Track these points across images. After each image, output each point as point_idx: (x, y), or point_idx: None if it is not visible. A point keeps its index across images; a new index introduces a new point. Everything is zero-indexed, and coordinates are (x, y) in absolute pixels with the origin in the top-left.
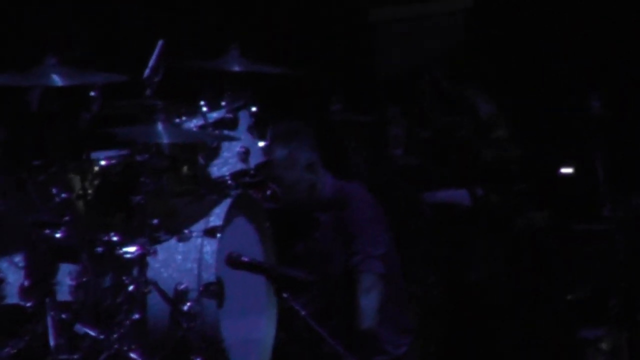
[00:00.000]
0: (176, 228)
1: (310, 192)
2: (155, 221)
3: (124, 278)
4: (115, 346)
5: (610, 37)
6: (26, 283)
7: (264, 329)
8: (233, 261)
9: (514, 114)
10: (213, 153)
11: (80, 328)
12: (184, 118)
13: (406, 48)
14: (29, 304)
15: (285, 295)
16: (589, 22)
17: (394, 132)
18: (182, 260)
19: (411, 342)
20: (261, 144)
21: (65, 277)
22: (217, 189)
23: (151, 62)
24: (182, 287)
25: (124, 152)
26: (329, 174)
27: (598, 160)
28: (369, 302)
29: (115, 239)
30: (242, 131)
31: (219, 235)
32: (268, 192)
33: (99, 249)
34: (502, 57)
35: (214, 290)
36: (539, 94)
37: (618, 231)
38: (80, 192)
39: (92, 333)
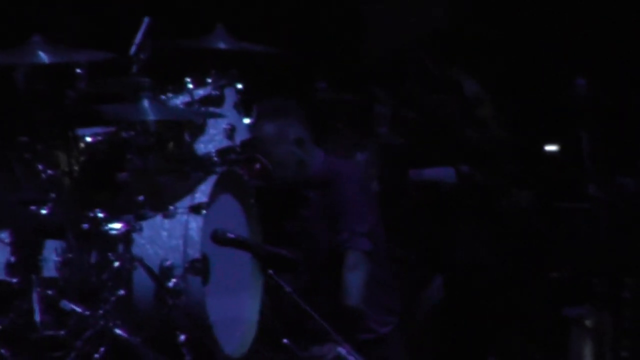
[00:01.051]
0: (162, 205)
1: (299, 168)
2: (140, 198)
3: (109, 255)
4: (101, 322)
5: (596, 16)
6: (12, 259)
7: (249, 305)
8: (218, 238)
9: (499, 93)
10: (199, 130)
11: (66, 304)
12: (170, 95)
13: (392, 28)
14: (15, 280)
15: (270, 272)
16: (575, 2)
17: (379, 111)
18: (168, 237)
19: (396, 322)
20: (247, 121)
21: (51, 254)
22: (203, 166)
23: (137, 40)
24: (168, 263)
25: (110, 129)
26: (320, 151)
27: (583, 139)
28: (354, 279)
29: (100, 215)
30: (228, 108)
31: (204, 212)
32: (257, 167)
33: (85, 226)
34: (487, 37)
35: (199, 267)
36: (524, 73)
37: (602, 210)
38: (67, 169)
39: (77, 309)
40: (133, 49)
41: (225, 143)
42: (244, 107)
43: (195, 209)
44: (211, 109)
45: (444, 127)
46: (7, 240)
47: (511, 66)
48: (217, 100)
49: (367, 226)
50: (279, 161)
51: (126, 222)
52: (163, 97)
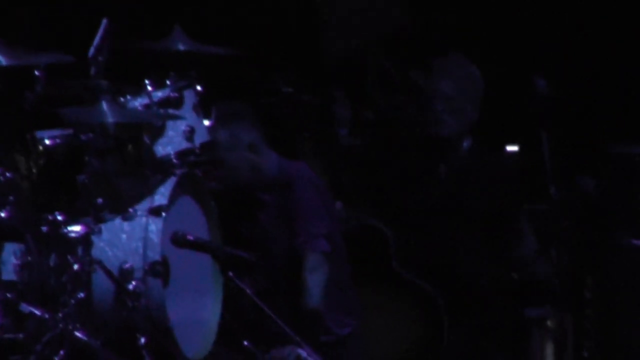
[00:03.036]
0: (121, 207)
1: (253, 173)
2: (100, 200)
3: (68, 257)
4: (60, 325)
5: (556, 16)
6: None
7: (210, 308)
8: (178, 240)
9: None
10: (158, 132)
11: (25, 307)
12: (128, 97)
13: (351, 29)
14: None
15: (230, 274)
16: (535, 1)
17: (339, 112)
18: (127, 239)
19: (355, 324)
20: (206, 122)
21: (10, 257)
22: (162, 168)
23: (95, 42)
24: (127, 266)
25: (68, 131)
26: (274, 153)
27: (543, 139)
28: (314, 281)
29: (60, 218)
30: (187, 110)
31: (164, 214)
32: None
33: (44, 229)
34: (445, 38)
35: (159, 270)
36: (484, 72)
37: (563, 211)
38: (25, 172)
39: (37, 312)
40: (91, 51)
41: (185, 145)
42: (203, 109)
43: (154, 212)
44: (170, 110)
45: (403, 128)
46: None
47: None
48: (176, 102)
49: (325, 227)
50: (233, 166)
51: (85, 225)
52: (122, 99)
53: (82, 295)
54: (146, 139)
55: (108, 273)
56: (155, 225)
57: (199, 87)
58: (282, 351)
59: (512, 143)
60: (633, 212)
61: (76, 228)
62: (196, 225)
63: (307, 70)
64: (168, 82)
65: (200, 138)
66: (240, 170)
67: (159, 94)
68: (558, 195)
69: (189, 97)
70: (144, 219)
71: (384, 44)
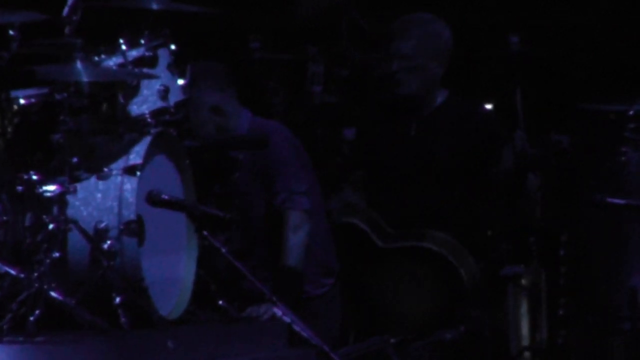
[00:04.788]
0: (96, 166)
1: (219, 133)
2: (74, 160)
3: (44, 217)
4: (36, 285)
5: None
6: None
7: (185, 266)
8: (153, 199)
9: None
10: (132, 91)
11: (0, 267)
12: (103, 56)
13: None
14: None
15: (205, 233)
16: None
17: (312, 70)
18: (102, 198)
19: (333, 283)
20: (181, 81)
21: None
22: (137, 127)
23: (70, 1)
24: (102, 225)
25: (43, 90)
26: (246, 112)
27: (517, 97)
28: (296, 239)
29: (35, 177)
30: (161, 69)
31: (138, 173)
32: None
33: (19, 188)
34: None
35: (134, 229)
36: (457, 31)
37: (537, 168)
38: (0, 131)
39: (12, 272)
40: (65, 10)
41: (159, 104)
42: (177, 68)
43: (129, 170)
44: (144, 70)
45: (377, 85)
46: None
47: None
48: (151, 61)
49: (304, 184)
50: (197, 126)
51: (60, 184)
52: (96, 58)
53: (57, 254)
54: (121, 98)
55: (83, 232)
56: (130, 184)
57: (173, 46)
58: (257, 309)
59: (487, 101)
60: (607, 169)
61: (51, 187)
62: (171, 184)
63: (280, 27)
64: (142, 41)
65: (174, 97)
66: (204, 131)
67: (134, 53)
68: (532, 152)
69: (163, 56)
70: (119, 178)
71: (357, 1)
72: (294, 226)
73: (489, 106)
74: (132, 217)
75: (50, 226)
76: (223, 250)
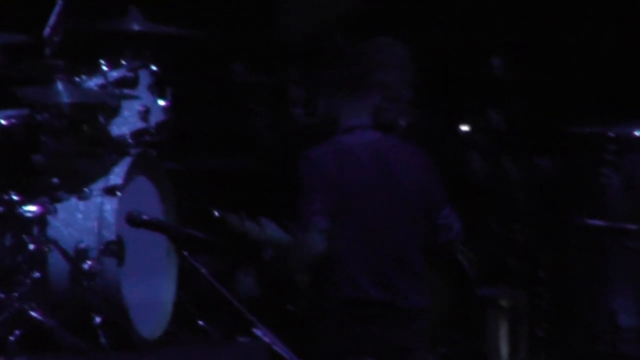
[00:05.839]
0: (76, 187)
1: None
2: (55, 180)
3: (24, 237)
4: (16, 305)
5: None
6: None
7: (165, 287)
8: (133, 220)
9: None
10: (113, 112)
11: None
12: (84, 77)
13: (307, 9)
14: None
15: (185, 253)
16: None
17: (294, 93)
18: (83, 219)
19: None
20: (161, 102)
21: None
22: (118, 147)
23: (51, 22)
24: (83, 245)
25: (24, 111)
26: None
27: (494, 119)
28: None
29: (15, 198)
30: (142, 90)
31: (119, 193)
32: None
33: (0, 209)
34: (401, 20)
35: (115, 249)
36: (439, 53)
37: (519, 191)
38: None
39: None
40: (47, 31)
41: (140, 125)
42: (158, 89)
43: (110, 191)
44: (125, 91)
45: None
46: None
47: (425, 46)
48: (132, 82)
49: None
50: None
51: (41, 205)
52: (77, 79)
53: (37, 274)
54: (101, 119)
55: (63, 253)
56: (110, 205)
57: (154, 67)
58: None
59: (464, 123)
60: (589, 192)
61: (32, 208)
62: (151, 204)
63: (262, 50)
64: (123, 62)
65: (155, 118)
66: None
67: (114, 74)
68: (515, 175)
69: (144, 77)
70: (99, 199)
71: (339, 23)
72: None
73: (465, 128)
74: (112, 237)
75: (31, 246)
76: (203, 271)
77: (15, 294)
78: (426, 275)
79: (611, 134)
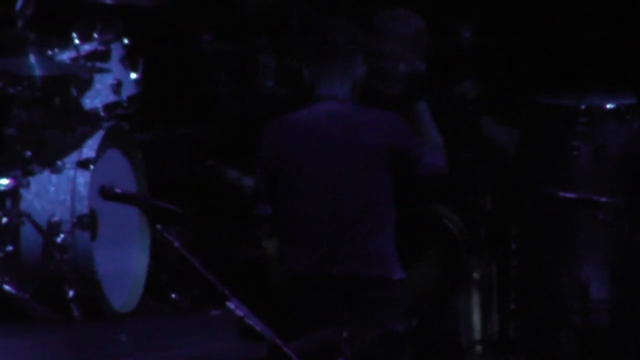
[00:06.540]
0: (49, 160)
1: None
2: (27, 153)
3: None
4: None
5: None
6: None
7: (137, 260)
8: (106, 193)
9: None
10: (85, 85)
11: None
12: (56, 50)
13: None
14: None
15: (158, 226)
16: None
17: (263, 63)
18: (55, 192)
19: None
20: (134, 75)
21: None
22: (90, 121)
23: None
24: (55, 219)
25: None
26: None
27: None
28: None
29: None
30: (114, 63)
31: (91, 167)
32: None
33: None
34: None
35: (87, 222)
36: None
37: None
38: None
39: None
40: (18, 4)
41: (112, 98)
42: (130, 62)
43: (82, 164)
44: (97, 64)
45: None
46: None
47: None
48: (103, 55)
49: None
50: None
51: (13, 178)
52: (49, 52)
53: (10, 248)
54: (74, 92)
55: (36, 226)
56: (83, 178)
57: (126, 40)
58: None
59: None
60: (558, 162)
61: (4, 181)
62: (124, 177)
63: (231, 19)
64: (95, 35)
65: (127, 91)
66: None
67: (86, 47)
68: (482, 143)
69: (115, 50)
70: (71, 172)
71: None
72: None
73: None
74: (85, 211)
75: (3, 220)
76: (175, 243)
77: None
78: (415, 252)
79: (582, 106)
